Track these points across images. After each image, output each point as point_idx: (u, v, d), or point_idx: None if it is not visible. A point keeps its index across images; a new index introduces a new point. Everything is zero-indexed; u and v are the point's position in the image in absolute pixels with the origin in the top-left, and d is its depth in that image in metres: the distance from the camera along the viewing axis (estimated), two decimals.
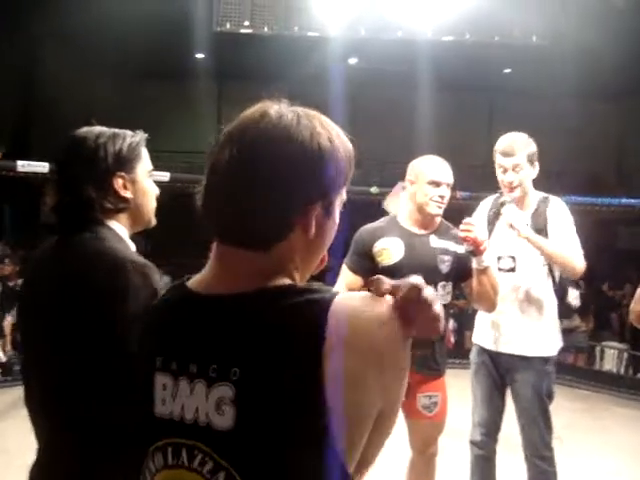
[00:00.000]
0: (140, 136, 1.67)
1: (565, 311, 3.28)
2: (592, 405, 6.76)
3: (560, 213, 3.19)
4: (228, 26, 7.14)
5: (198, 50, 15.14)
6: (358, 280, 3.00)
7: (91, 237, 1.55)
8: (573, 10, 8.41)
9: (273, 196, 0.94)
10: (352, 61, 13.87)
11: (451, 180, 2.98)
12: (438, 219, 3.04)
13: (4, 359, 7.16)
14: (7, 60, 11.54)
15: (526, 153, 3.14)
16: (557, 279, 3.21)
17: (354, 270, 3.02)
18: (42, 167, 6.41)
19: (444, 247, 2.99)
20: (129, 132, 1.67)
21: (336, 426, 0.85)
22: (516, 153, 3.12)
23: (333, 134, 0.99)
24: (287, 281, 0.96)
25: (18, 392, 1.68)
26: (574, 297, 3.27)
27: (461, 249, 2.95)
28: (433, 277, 2.90)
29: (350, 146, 1.02)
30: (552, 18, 8.21)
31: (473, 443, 3.35)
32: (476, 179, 9.32)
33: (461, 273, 2.99)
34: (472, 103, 15.08)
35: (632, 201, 7.11)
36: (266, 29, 7.01)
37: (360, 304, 0.91)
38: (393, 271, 2.86)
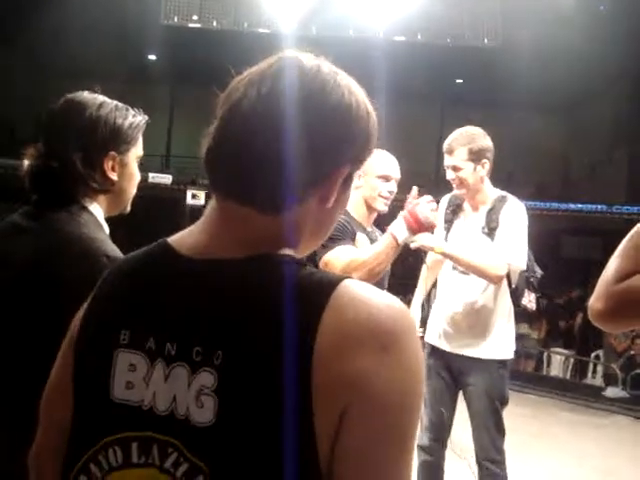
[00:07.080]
0: (141, 117, 1.52)
1: (520, 314, 3.15)
2: (539, 410, 6.77)
3: (513, 214, 3.03)
4: (176, 19, 6.96)
5: (149, 50, 14.90)
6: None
7: (67, 219, 1.37)
8: (523, 15, 8.50)
9: (305, 151, 0.78)
10: None
11: (399, 176, 2.87)
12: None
13: None
14: None
15: (467, 149, 3.02)
16: (513, 282, 3.06)
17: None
18: None
19: None
20: (131, 110, 1.51)
21: (319, 425, 0.70)
22: (454, 150, 3.02)
23: (366, 101, 0.85)
24: (289, 253, 0.80)
25: None
26: (529, 300, 3.16)
27: None
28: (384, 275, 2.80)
29: (375, 120, 0.87)
30: (503, 21, 8.27)
31: (421, 448, 3.17)
32: (426, 185, 9.32)
33: None
34: (424, 111, 15.19)
35: (579, 206, 7.15)
36: (215, 24, 6.85)
37: (371, 290, 0.75)
38: None
